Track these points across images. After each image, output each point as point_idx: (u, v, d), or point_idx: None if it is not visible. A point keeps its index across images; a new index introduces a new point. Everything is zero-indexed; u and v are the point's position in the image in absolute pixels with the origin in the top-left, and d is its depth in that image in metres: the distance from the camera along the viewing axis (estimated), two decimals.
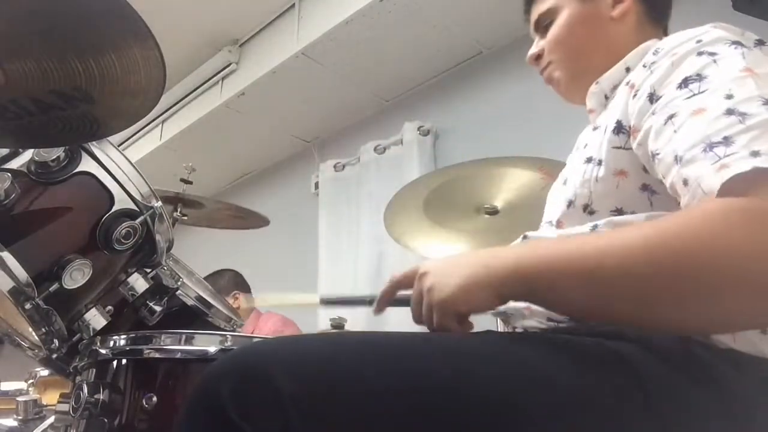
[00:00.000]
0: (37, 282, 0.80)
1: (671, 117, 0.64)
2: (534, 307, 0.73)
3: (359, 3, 2.40)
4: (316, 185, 3.24)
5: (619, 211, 0.72)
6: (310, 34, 2.61)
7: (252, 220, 1.93)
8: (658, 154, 0.64)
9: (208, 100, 3.17)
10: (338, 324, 1.25)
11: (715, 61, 0.65)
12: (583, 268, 0.58)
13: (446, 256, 0.72)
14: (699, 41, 0.69)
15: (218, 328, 1.11)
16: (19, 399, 1.49)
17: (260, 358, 0.56)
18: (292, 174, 3.50)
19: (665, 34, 0.93)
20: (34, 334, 0.85)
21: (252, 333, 2.38)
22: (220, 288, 2.46)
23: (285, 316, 2.50)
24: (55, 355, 0.94)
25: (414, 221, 1.66)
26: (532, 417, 0.56)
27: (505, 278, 0.62)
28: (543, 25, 0.96)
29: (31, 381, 1.64)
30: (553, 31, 0.93)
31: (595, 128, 0.82)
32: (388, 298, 0.78)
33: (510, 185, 1.60)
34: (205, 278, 2.53)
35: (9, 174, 0.82)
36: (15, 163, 0.87)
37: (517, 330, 0.79)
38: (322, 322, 2.66)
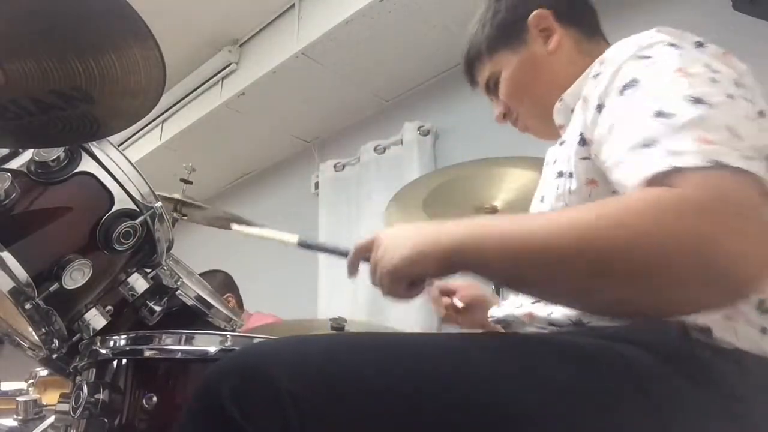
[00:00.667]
0: (37, 282, 0.80)
1: (612, 126, 0.66)
2: (535, 313, 0.73)
3: (359, 3, 2.39)
4: (316, 185, 3.23)
5: None
6: (310, 34, 2.61)
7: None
8: (605, 163, 0.66)
9: (208, 100, 3.17)
10: (338, 324, 1.25)
11: (650, 65, 0.67)
12: (513, 246, 0.61)
13: (400, 226, 0.76)
14: (639, 46, 0.70)
15: (218, 328, 1.11)
16: (19, 399, 1.49)
17: (261, 358, 0.56)
18: (292, 174, 3.50)
19: (606, 42, 0.95)
20: (34, 334, 0.85)
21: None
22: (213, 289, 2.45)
23: (276, 316, 2.50)
24: (55, 355, 0.94)
25: (414, 221, 1.66)
26: (532, 417, 0.56)
27: (450, 251, 0.66)
28: (492, 85, 1.00)
29: (31, 381, 1.64)
30: (504, 89, 0.98)
31: (561, 143, 0.83)
32: (356, 265, 0.82)
33: (510, 185, 1.60)
34: None
35: (9, 174, 0.82)
36: (15, 163, 0.87)
37: None
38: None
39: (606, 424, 0.57)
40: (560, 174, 0.77)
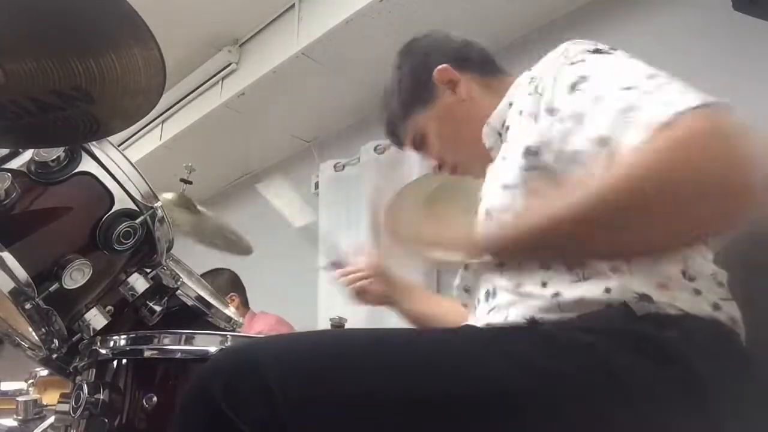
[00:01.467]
0: (37, 282, 0.80)
1: (575, 116, 0.69)
2: (492, 322, 0.75)
3: (359, 3, 2.39)
4: (316, 185, 3.23)
5: None
6: (310, 34, 2.61)
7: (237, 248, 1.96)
8: (576, 150, 0.69)
9: (208, 100, 3.17)
10: (338, 324, 1.25)
11: (588, 64, 0.74)
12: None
13: None
14: (566, 56, 0.77)
15: (218, 328, 1.11)
16: (19, 399, 1.49)
17: (250, 354, 0.60)
18: (292, 174, 3.49)
19: (509, 74, 1.01)
20: (34, 334, 0.85)
21: (246, 333, 2.38)
22: (217, 288, 2.46)
23: (280, 316, 2.50)
24: (55, 355, 0.94)
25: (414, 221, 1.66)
26: (512, 397, 0.59)
27: None
28: (418, 144, 1.05)
29: (31, 381, 1.64)
30: (435, 145, 1.03)
31: (503, 158, 0.85)
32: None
33: None
34: (202, 275, 2.53)
35: (9, 174, 0.82)
36: (15, 163, 0.87)
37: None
38: (321, 322, 2.66)
39: (584, 410, 0.60)
40: (506, 187, 0.79)
